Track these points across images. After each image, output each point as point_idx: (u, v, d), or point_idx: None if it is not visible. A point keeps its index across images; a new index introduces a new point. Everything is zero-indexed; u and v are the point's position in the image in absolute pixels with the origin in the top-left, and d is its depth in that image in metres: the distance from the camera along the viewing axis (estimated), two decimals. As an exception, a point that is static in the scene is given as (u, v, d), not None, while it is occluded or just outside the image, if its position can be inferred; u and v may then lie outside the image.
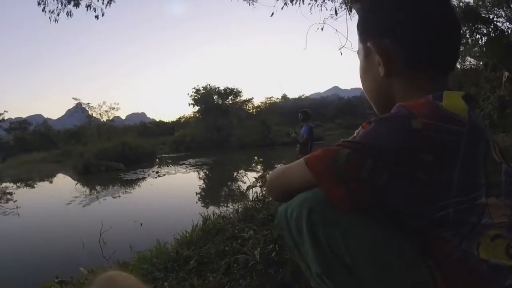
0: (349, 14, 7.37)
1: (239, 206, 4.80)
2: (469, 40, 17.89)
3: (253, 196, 4.57)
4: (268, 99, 50.18)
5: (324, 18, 7.30)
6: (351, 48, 6.29)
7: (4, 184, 20.04)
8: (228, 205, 7.95)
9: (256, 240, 2.82)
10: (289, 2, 9.06)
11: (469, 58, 20.00)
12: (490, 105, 8.41)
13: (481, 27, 16.04)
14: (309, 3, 8.35)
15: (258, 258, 2.50)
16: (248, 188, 4.57)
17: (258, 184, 3.64)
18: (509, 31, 15.38)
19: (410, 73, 0.97)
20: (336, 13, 7.46)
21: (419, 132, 0.77)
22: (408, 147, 0.77)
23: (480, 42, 17.63)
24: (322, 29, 7.24)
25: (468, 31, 17.09)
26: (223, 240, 3.24)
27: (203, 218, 4.59)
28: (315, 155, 0.89)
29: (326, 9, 8.21)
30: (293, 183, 0.96)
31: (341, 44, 6.50)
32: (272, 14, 8.67)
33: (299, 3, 8.50)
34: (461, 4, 15.33)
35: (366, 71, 1.10)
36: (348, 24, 7.18)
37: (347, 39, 6.40)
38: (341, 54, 6.70)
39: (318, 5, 8.31)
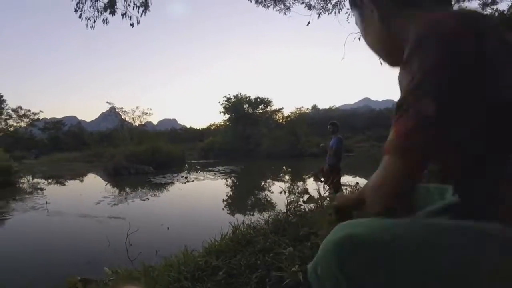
0: None
1: (270, 217, 4.64)
2: None
3: (286, 208, 4.39)
4: (298, 109, 50.06)
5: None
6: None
7: (35, 180, 20.57)
8: (257, 214, 7.81)
9: (291, 256, 2.65)
10: (325, 11, 8.93)
11: None
12: None
13: None
14: (346, 12, 8.14)
15: (301, 278, 2.30)
16: (290, 203, 4.38)
17: (301, 199, 3.45)
18: None
19: (405, 12, 0.97)
20: None
21: None
22: None
23: None
24: (359, 38, 7.01)
25: None
26: (254, 252, 3.09)
27: (233, 227, 4.45)
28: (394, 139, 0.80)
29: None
30: (395, 180, 0.82)
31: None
32: (309, 23, 8.55)
33: (335, 12, 8.32)
34: (496, 13, 14.82)
35: (366, 28, 1.13)
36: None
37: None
38: (381, 64, 6.44)
39: (354, 14, 8.08)
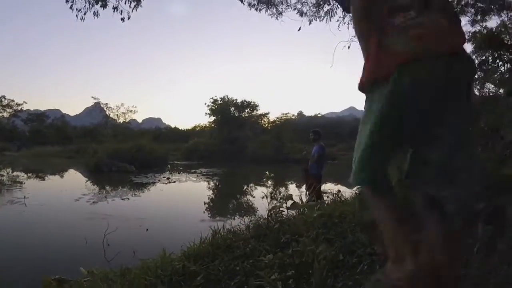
0: None
1: (251, 222, 4.60)
2: (490, 67, 17.65)
3: (268, 213, 4.36)
4: (284, 115, 50.13)
5: (352, 36, 7.09)
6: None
7: (15, 173, 20.20)
8: (238, 219, 7.75)
9: (271, 262, 2.62)
10: (316, 18, 8.98)
11: (488, 85, 19.68)
12: (510, 135, 8.11)
13: (504, 53, 15.78)
14: (337, 20, 8.21)
15: (280, 286, 2.26)
16: (273, 209, 4.31)
17: (284, 205, 3.41)
18: None
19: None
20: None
21: None
22: None
23: (502, 69, 17.37)
24: (348, 47, 7.07)
25: (490, 58, 16.84)
26: (234, 258, 3.06)
27: (213, 231, 4.39)
28: None
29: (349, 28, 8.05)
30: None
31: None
32: (300, 28, 8.60)
33: (327, 20, 8.38)
34: (484, 30, 15.17)
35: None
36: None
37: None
38: None
39: (345, 22, 8.17)
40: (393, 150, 1.56)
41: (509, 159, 6.11)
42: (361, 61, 1.43)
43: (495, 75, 18.68)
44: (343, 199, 7.25)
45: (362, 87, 1.59)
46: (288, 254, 2.54)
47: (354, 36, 7.13)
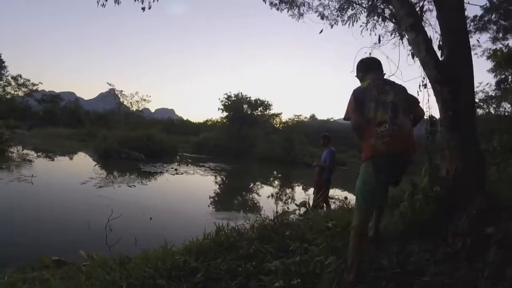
0: (401, 41, 7.01)
1: (256, 222, 4.51)
2: (508, 86, 17.34)
3: (274, 216, 4.27)
4: (296, 117, 49.84)
5: (374, 43, 6.94)
6: (401, 77, 5.94)
7: (25, 151, 20.31)
8: (243, 216, 7.66)
9: (274, 267, 2.53)
10: (338, 22, 8.87)
11: (504, 104, 19.35)
12: None
13: None
14: (361, 25, 8.06)
15: None
16: (285, 214, 4.23)
17: (297, 212, 3.31)
18: None
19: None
20: (379, 41, 7.10)
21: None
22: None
23: None
24: (370, 53, 6.92)
25: (510, 76, 16.55)
26: (237, 258, 2.98)
27: (217, 228, 4.32)
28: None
29: (375, 34, 7.89)
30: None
31: (391, 72, 6.15)
32: (321, 31, 8.47)
33: (349, 24, 8.25)
34: (505, 49, 14.91)
35: None
36: (401, 50, 6.80)
37: (397, 67, 6.04)
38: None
39: (368, 28, 8.01)
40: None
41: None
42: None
43: None
44: (350, 207, 7.15)
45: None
46: (295, 261, 2.45)
47: (375, 43, 7.07)
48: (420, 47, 4.52)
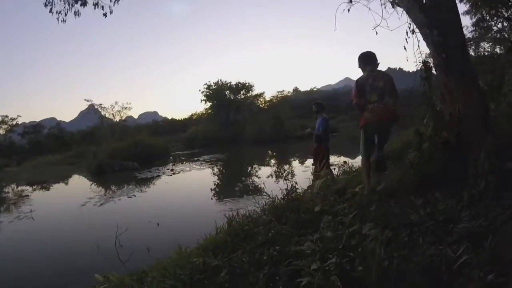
0: None
1: (265, 205, 4.35)
2: (486, 25, 17.29)
3: (286, 194, 4.11)
4: (279, 93, 49.56)
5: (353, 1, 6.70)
6: (386, 27, 5.78)
7: (20, 188, 19.99)
8: (250, 201, 7.53)
9: (307, 248, 2.35)
10: None
11: (483, 44, 19.31)
12: None
13: (502, 10, 15.37)
14: None
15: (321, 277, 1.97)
16: (311, 186, 4.20)
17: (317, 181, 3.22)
18: None
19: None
20: (351, 1, 6.86)
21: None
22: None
23: (499, 26, 17.00)
24: (348, 10, 6.70)
25: (487, 15, 16.44)
26: (257, 246, 2.81)
27: (228, 219, 4.15)
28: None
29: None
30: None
31: (375, 23, 5.98)
32: None
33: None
34: (482, -13, 14.78)
35: None
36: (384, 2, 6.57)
37: (382, 17, 5.86)
38: (376, 33, 6.17)
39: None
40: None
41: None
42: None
43: (490, 34, 18.34)
44: (354, 169, 7.09)
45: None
46: (328, 237, 2.28)
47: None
48: (402, -7, 4.36)
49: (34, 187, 20.02)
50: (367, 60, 4.85)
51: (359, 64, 4.91)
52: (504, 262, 2.20)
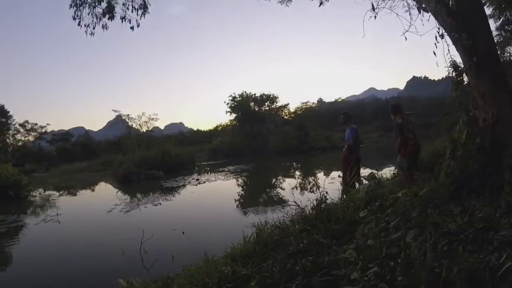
0: None
1: (295, 215, 4.25)
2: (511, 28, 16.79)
3: (312, 203, 4.01)
4: (304, 104, 49.52)
5: (377, 7, 6.64)
6: (416, 32, 5.66)
7: (47, 192, 20.42)
8: (277, 212, 7.42)
9: (349, 256, 2.24)
10: None
11: (508, 49, 18.69)
12: None
13: None
14: None
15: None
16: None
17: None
18: None
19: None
20: (373, 9, 6.80)
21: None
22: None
23: None
24: (375, 17, 6.65)
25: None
26: (288, 255, 2.71)
27: (257, 229, 4.06)
28: None
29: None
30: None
31: (404, 29, 5.87)
32: (321, 3, 8.36)
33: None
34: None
35: None
36: (410, 7, 6.49)
37: (410, 23, 5.75)
38: (406, 39, 6.07)
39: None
40: None
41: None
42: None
43: None
44: (384, 180, 6.97)
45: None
46: (369, 245, 2.17)
47: (378, 7, 6.75)
48: (429, -2, 4.27)
49: (61, 192, 20.45)
50: (395, 110, 6.82)
51: (391, 112, 6.91)
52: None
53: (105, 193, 19.41)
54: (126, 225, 10.10)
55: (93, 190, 21.41)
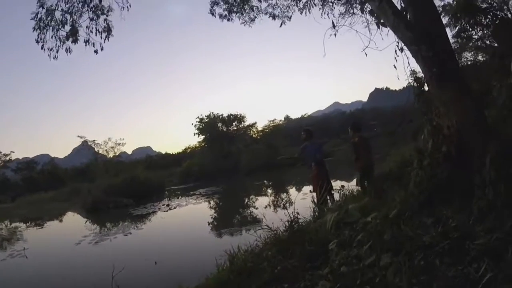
0: (364, 13, 6.89)
1: (267, 238, 4.19)
2: (471, 34, 17.67)
3: (284, 224, 3.97)
4: (271, 122, 49.87)
5: (337, 25, 6.87)
6: (376, 47, 5.82)
7: (13, 224, 19.73)
8: (249, 234, 7.34)
9: (309, 283, 2.21)
10: (290, 18, 8.92)
11: (465, 55, 19.68)
12: (503, 94, 7.95)
13: (481, 18, 15.80)
14: (320, 8, 7.99)
15: None
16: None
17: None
18: None
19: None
20: (333, 26, 7.04)
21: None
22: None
23: (479, 34, 17.43)
24: (335, 35, 6.85)
25: (468, 25, 16.85)
26: (263, 284, 2.65)
27: (229, 256, 3.97)
28: None
29: (334, 16, 7.83)
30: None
31: (364, 45, 6.03)
32: (281, 24, 8.63)
33: (306, 13, 8.13)
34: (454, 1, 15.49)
35: None
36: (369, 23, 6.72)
37: (370, 39, 5.92)
38: (366, 55, 6.25)
39: (325, 12, 7.93)
40: None
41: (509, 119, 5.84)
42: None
43: (471, 43, 18.80)
44: (354, 193, 7.06)
45: None
46: (344, 273, 2.14)
47: (338, 24, 6.98)
48: (387, 13, 4.39)
49: (28, 224, 19.74)
50: (355, 128, 8.18)
51: (349, 130, 8.29)
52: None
53: (74, 223, 18.85)
54: (96, 257, 9.77)
55: (61, 221, 20.79)
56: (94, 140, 38.57)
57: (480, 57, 19.07)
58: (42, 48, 7.59)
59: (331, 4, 7.80)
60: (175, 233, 11.88)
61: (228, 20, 9.26)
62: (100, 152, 38.46)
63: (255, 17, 9.27)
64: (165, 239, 11.02)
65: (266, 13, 9.13)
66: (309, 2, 8.04)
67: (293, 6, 8.71)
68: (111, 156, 38.28)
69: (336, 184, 11.75)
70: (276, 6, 8.95)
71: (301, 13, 8.34)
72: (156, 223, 14.54)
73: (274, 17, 9.12)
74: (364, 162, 7.70)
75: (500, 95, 6.84)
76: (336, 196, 8.03)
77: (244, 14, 9.23)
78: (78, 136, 37.87)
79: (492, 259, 2.37)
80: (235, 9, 9.12)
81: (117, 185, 24.11)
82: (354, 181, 8.38)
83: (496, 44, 15.43)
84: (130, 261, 8.01)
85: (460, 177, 3.72)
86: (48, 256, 10.97)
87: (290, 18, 8.96)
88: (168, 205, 18.69)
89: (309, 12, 8.05)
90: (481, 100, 5.12)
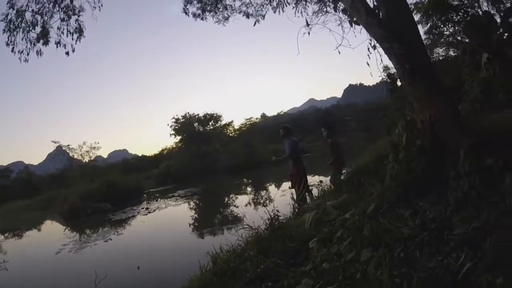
0: (337, 11, 7.05)
1: (249, 237, 4.25)
2: (443, 30, 18.15)
3: (265, 222, 4.03)
4: (247, 120, 49.93)
5: (311, 23, 7.00)
6: (349, 45, 5.95)
7: (-9, 237, 19.17)
8: (231, 234, 7.39)
9: (292, 280, 2.28)
10: (264, 17, 8.96)
11: (437, 50, 20.25)
12: (475, 88, 8.24)
13: (453, 15, 16.24)
14: (293, 7, 8.11)
15: None
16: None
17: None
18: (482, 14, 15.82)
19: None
20: (307, 24, 7.17)
21: None
22: None
23: (451, 30, 17.92)
24: (309, 33, 6.97)
25: (439, 22, 17.30)
26: (246, 284, 2.71)
27: (212, 257, 4.02)
28: None
29: (307, 14, 7.96)
30: None
31: (337, 43, 6.16)
32: (255, 23, 8.68)
33: (279, 11, 8.23)
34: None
35: None
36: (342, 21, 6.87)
37: (343, 37, 6.05)
38: (339, 53, 6.39)
39: (298, 11, 8.07)
40: None
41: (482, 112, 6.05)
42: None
43: (442, 39, 19.32)
44: (331, 188, 7.17)
45: None
46: (324, 269, 2.21)
47: (311, 23, 7.12)
48: (360, 11, 4.50)
49: (6, 235, 19.25)
50: (332, 127, 8.61)
51: (326, 126, 8.65)
52: (508, 262, 2.18)
53: (52, 232, 18.44)
54: (77, 265, 9.64)
55: (39, 230, 20.38)
56: (68, 145, 37.78)
57: (451, 53, 19.57)
58: (12, 51, 7.48)
59: (304, 2, 7.94)
60: (157, 237, 11.80)
61: (202, 19, 9.29)
62: (75, 157, 37.77)
63: (229, 15, 9.32)
64: (147, 243, 10.94)
65: (240, 12, 9.19)
66: (282, 0, 8.13)
67: (267, 4, 8.79)
68: (87, 161, 37.66)
69: (314, 179, 11.92)
70: (250, 5, 9.02)
71: (274, 11, 8.44)
72: (136, 228, 14.41)
73: (248, 15, 9.17)
74: (341, 161, 8.54)
75: (472, 89, 7.09)
76: (315, 191, 8.12)
77: (218, 13, 9.27)
78: (53, 141, 37.03)
79: (470, 248, 2.46)
80: (208, 8, 9.15)
81: (94, 190, 23.69)
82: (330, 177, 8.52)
83: (467, 40, 15.90)
84: (112, 267, 7.95)
85: (435, 170, 3.84)
86: (29, 267, 10.73)
87: (264, 17, 9.03)
88: (147, 208, 18.52)
89: (283, 11, 8.17)
90: (453, 94, 5.29)
